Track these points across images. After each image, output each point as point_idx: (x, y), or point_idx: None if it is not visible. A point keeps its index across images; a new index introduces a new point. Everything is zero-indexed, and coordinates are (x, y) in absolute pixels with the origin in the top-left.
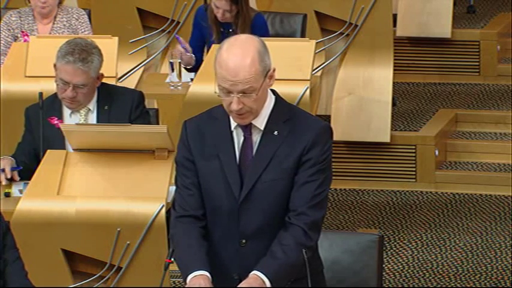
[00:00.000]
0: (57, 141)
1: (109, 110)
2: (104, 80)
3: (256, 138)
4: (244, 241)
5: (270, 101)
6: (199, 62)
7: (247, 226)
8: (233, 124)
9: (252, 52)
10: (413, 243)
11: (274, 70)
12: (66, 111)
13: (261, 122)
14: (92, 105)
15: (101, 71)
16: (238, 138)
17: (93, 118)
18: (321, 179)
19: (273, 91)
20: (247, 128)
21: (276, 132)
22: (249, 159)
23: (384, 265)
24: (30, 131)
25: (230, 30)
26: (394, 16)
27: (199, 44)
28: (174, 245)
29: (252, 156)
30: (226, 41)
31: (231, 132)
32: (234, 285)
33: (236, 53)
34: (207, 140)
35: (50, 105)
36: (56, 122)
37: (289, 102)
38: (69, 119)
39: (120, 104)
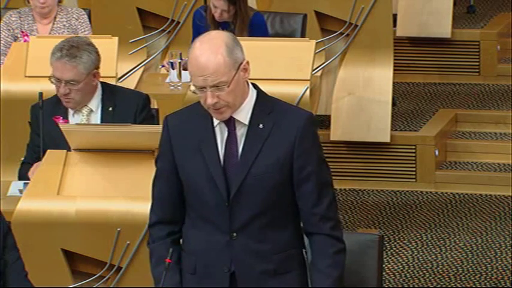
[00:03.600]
0: (63, 140)
1: (113, 112)
2: (104, 80)
3: (240, 132)
4: (235, 234)
5: (252, 94)
6: None
7: (239, 220)
8: (216, 119)
9: (219, 46)
10: (413, 243)
11: (247, 63)
12: (70, 111)
13: (244, 116)
14: (95, 105)
15: (99, 70)
16: (221, 133)
17: (96, 118)
18: (325, 194)
19: (254, 85)
20: (231, 123)
21: (261, 125)
22: (234, 154)
23: (384, 265)
24: (36, 132)
25: (228, 30)
26: (394, 16)
27: None
28: (150, 258)
29: (237, 150)
30: (196, 39)
31: (214, 127)
32: (224, 278)
33: (204, 48)
34: (190, 135)
35: (55, 104)
36: (61, 121)
37: (270, 95)
38: (72, 119)
39: (124, 106)
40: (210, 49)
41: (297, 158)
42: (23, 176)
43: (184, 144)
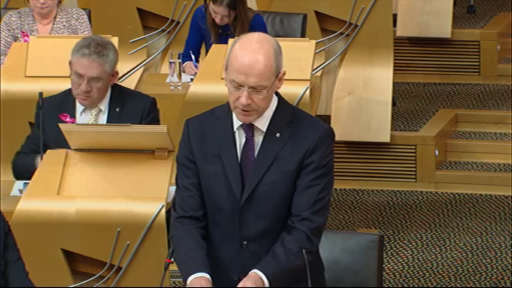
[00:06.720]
0: None
1: (120, 113)
2: None
3: (258, 139)
4: (245, 242)
5: (273, 102)
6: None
7: (249, 227)
8: (236, 125)
9: (269, 49)
10: (413, 243)
11: (284, 73)
12: (78, 110)
13: (263, 124)
14: (104, 105)
15: (116, 69)
16: (240, 139)
17: (103, 119)
18: (323, 184)
19: (276, 93)
20: (250, 129)
21: (278, 134)
22: (250, 160)
23: (384, 265)
24: (39, 126)
25: (228, 32)
26: (394, 16)
27: (197, 46)
28: (174, 246)
29: (253, 157)
30: (242, 36)
31: (233, 132)
32: (233, 285)
33: (253, 48)
34: (209, 140)
35: (63, 101)
36: (68, 119)
37: (291, 104)
38: (80, 118)
39: (131, 108)
40: (260, 50)
41: (305, 166)
42: (22, 165)
43: (204, 149)
